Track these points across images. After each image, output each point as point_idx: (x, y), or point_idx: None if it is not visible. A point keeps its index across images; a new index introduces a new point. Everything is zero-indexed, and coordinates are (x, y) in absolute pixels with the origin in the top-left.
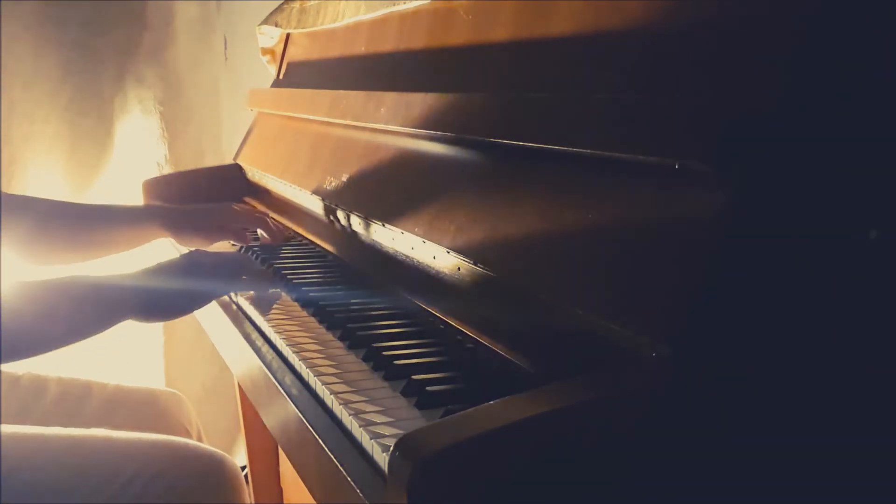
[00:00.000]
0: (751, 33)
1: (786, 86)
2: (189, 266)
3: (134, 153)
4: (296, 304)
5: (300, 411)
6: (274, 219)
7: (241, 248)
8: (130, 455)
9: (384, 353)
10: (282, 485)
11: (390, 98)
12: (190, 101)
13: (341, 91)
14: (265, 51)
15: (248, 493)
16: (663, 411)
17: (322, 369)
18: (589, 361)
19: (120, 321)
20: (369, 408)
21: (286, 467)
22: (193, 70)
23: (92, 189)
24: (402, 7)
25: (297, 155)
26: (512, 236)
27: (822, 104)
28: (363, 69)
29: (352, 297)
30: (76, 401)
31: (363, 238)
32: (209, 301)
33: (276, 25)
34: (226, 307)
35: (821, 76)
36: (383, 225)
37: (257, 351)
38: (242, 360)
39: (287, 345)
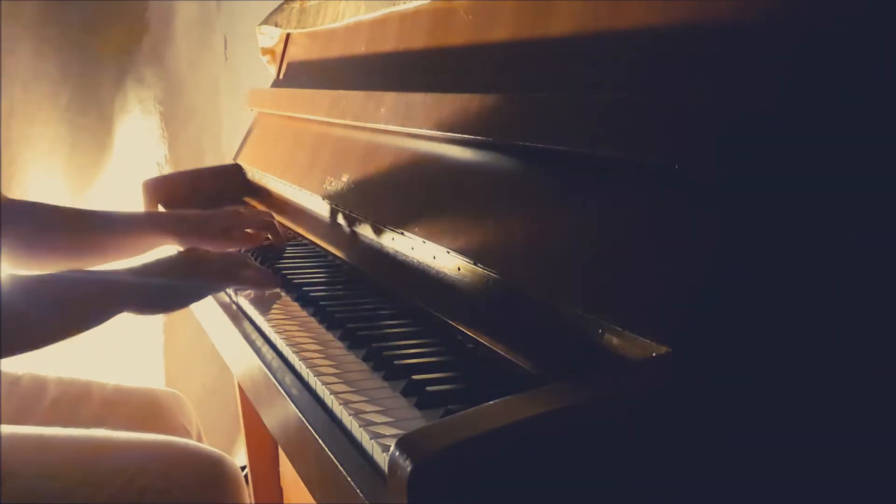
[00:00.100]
0: (751, 33)
1: (786, 86)
2: (187, 260)
3: (134, 153)
4: (296, 304)
5: (300, 411)
6: (280, 222)
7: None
8: (130, 455)
9: (384, 353)
10: (282, 485)
11: (390, 98)
12: (190, 101)
13: (341, 91)
14: (265, 51)
15: (248, 494)
16: (663, 411)
17: (322, 369)
18: (589, 361)
19: (116, 314)
20: (369, 408)
21: (286, 467)
22: (193, 70)
23: (92, 189)
24: (402, 7)
25: (297, 155)
26: (512, 236)
27: (822, 104)
28: (363, 69)
29: (352, 296)
30: (76, 401)
31: (363, 238)
32: (206, 295)
33: (276, 25)
34: (226, 307)
35: (821, 76)
36: (383, 225)
37: (257, 351)
38: (242, 360)
39: (287, 345)
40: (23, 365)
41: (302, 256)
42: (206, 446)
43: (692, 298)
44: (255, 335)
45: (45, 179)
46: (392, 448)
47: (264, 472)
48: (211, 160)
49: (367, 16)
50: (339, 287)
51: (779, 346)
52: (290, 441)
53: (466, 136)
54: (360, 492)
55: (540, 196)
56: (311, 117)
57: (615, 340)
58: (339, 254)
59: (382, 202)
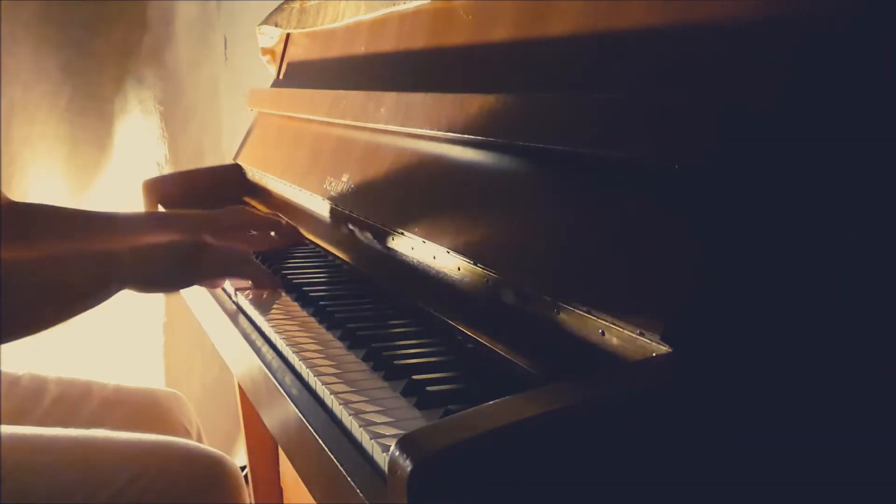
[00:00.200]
0: (751, 33)
1: (785, 86)
2: (191, 246)
3: (134, 153)
4: (296, 304)
5: (300, 411)
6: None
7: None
8: (130, 456)
9: (384, 353)
10: (282, 485)
11: (390, 98)
12: (190, 101)
13: (341, 91)
14: (265, 51)
15: (247, 494)
16: (663, 411)
17: (322, 369)
18: (589, 361)
19: (117, 290)
20: (369, 408)
21: (286, 467)
22: (193, 70)
23: (92, 189)
24: (402, 7)
25: (297, 155)
26: (512, 236)
27: (822, 104)
28: (363, 69)
29: (352, 296)
30: (76, 401)
31: (363, 238)
32: (204, 282)
33: (276, 25)
34: (226, 307)
35: (820, 76)
36: (383, 225)
37: (257, 351)
38: (242, 360)
39: (287, 345)
40: (23, 365)
41: (302, 256)
42: (206, 446)
43: (692, 298)
44: (255, 335)
45: (45, 179)
46: (392, 448)
47: (264, 472)
48: (211, 160)
49: (367, 16)
50: (339, 287)
51: (779, 345)
52: (290, 441)
53: (466, 136)
54: (360, 492)
55: (540, 196)
56: (311, 117)
57: (615, 340)
58: (339, 254)
59: (382, 202)
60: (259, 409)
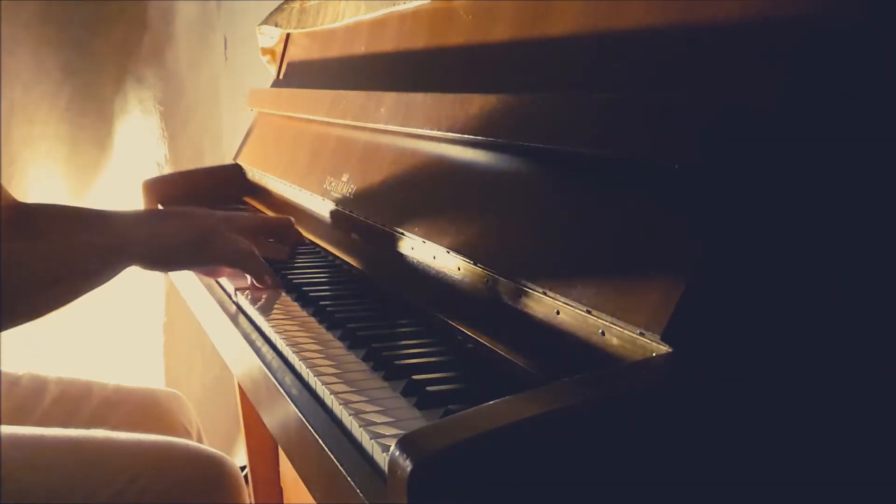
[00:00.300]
0: (751, 33)
1: (785, 86)
2: (200, 231)
3: (134, 153)
4: (296, 304)
5: (300, 411)
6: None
7: None
8: (130, 456)
9: (384, 353)
10: (282, 485)
11: (390, 98)
12: (190, 101)
13: (341, 91)
14: (265, 51)
15: (247, 494)
16: (664, 411)
17: (322, 369)
18: (589, 361)
19: (125, 267)
20: (369, 408)
21: (286, 467)
22: (193, 70)
23: (92, 189)
24: (402, 7)
25: (297, 155)
26: (512, 236)
27: (822, 104)
28: (363, 69)
29: (352, 296)
30: (76, 401)
31: (363, 238)
32: (207, 267)
33: (276, 25)
34: (226, 307)
35: (820, 76)
36: (383, 225)
37: (257, 351)
38: (242, 360)
39: (287, 345)
40: (23, 365)
41: (302, 256)
42: (206, 447)
43: (693, 298)
44: (255, 335)
45: (45, 179)
46: (392, 448)
47: (264, 472)
48: (211, 160)
49: (367, 16)
50: (339, 287)
51: (779, 345)
52: (290, 441)
53: (466, 135)
54: (360, 492)
55: (540, 196)
56: (311, 117)
57: (615, 340)
58: (339, 254)
59: (382, 202)
60: (259, 409)
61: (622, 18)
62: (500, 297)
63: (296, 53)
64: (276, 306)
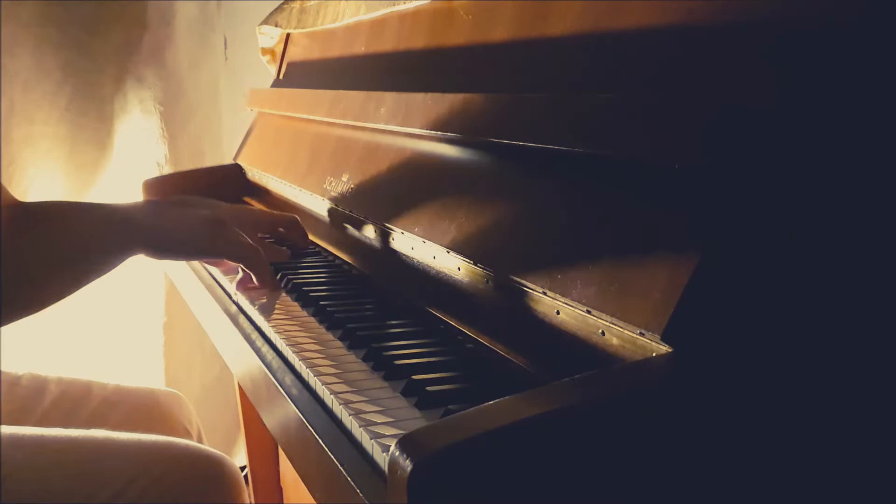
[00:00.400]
0: (751, 33)
1: (785, 85)
2: (213, 222)
3: (134, 153)
4: (296, 304)
5: (300, 411)
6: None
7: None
8: (130, 456)
9: (384, 353)
10: (282, 485)
11: (390, 98)
12: (190, 101)
13: (341, 91)
14: (265, 51)
15: (247, 494)
16: (664, 411)
17: (322, 369)
18: (589, 361)
19: (131, 255)
20: (369, 408)
21: (286, 467)
22: (193, 70)
23: (92, 189)
24: (402, 7)
25: (297, 155)
26: (512, 236)
27: (822, 104)
28: (363, 69)
29: (352, 296)
30: (76, 401)
31: (363, 238)
32: (215, 257)
33: (276, 25)
34: (226, 307)
35: (820, 76)
36: (383, 225)
37: (257, 351)
38: (242, 360)
39: (287, 345)
40: (23, 365)
41: (302, 256)
42: (206, 447)
43: (693, 298)
44: (255, 335)
45: (45, 179)
46: (392, 448)
47: (264, 472)
48: (211, 160)
49: (367, 16)
50: (339, 287)
51: (780, 345)
52: (290, 441)
53: (466, 135)
54: (360, 492)
55: (540, 196)
56: (311, 117)
57: (615, 340)
58: (339, 254)
59: (382, 202)
60: (259, 409)
61: (622, 18)
62: (501, 297)
63: (296, 53)
64: (276, 306)
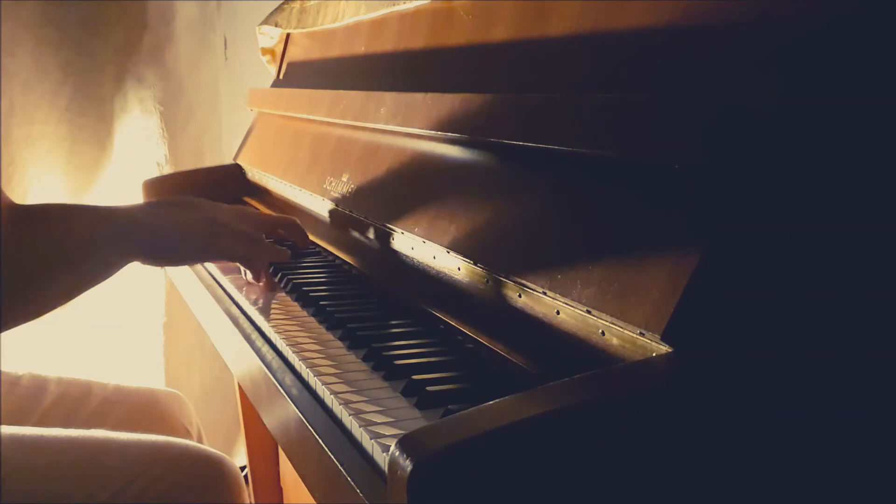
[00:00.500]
0: (751, 33)
1: (786, 85)
2: (210, 223)
3: (134, 153)
4: (296, 304)
5: (300, 411)
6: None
7: None
8: (130, 456)
9: (384, 353)
10: (282, 485)
11: (390, 98)
12: (190, 101)
13: (341, 91)
14: (265, 51)
15: (247, 495)
16: (664, 411)
17: (322, 369)
18: (589, 361)
19: (128, 262)
20: (369, 408)
21: (286, 467)
22: (193, 70)
23: (92, 189)
24: (402, 7)
25: (297, 155)
26: (512, 236)
27: (823, 103)
28: (363, 69)
29: (352, 296)
30: (76, 401)
31: (363, 238)
32: (213, 260)
33: (276, 25)
34: (226, 307)
35: (820, 76)
36: (383, 225)
37: (257, 351)
38: (242, 360)
39: (287, 345)
40: (23, 365)
41: (302, 256)
42: (206, 447)
43: (693, 298)
44: (255, 335)
45: (45, 179)
46: (392, 448)
47: (264, 472)
48: (211, 160)
49: (367, 16)
50: (339, 287)
51: (780, 345)
52: (290, 441)
53: (466, 135)
54: (360, 492)
55: (540, 196)
56: (311, 117)
57: (615, 340)
58: (339, 254)
59: (382, 202)
60: (259, 409)
61: (622, 18)
62: (500, 297)
63: (296, 53)
64: (276, 306)
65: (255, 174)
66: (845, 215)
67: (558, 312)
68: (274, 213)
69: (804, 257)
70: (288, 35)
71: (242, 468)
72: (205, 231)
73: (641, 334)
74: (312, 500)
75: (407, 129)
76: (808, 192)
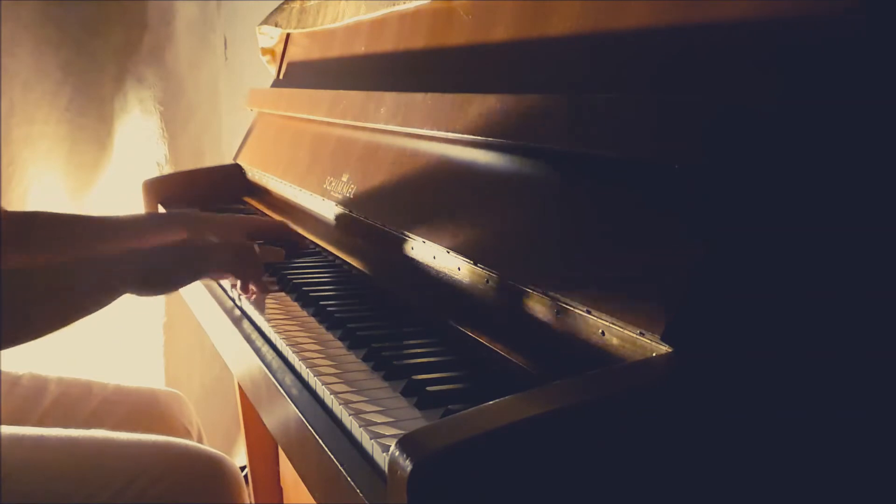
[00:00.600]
0: (750, 33)
1: (785, 85)
2: (194, 245)
3: (134, 153)
4: (296, 304)
5: (300, 411)
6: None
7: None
8: (130, 456)
9: (384, 353)
10: (282, 485)
11: (390, 98)
12: (190, 101)
13: (341, 91)
14: (265, 51)
15: (247, 495)
16: (664, 411)
17: (322, 369)
18: (589, 361)
19: (120, 294)
20: (369, 408)
21: (286, 467)
22: (193, 70)
23: (92, 189)
24: (402, 7)
25: (296, 155)
26: (512, 236)
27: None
28: (363, 69)
29: (352, 297)
30: (76, 401)
31: (363, 238)
32: (208, 277)
33: (276, 25)
34: (226, 307)
35: (820, 76)
36: (383, 225)
37: (257, 351)
38: (242, 360)
39: (287, 345)
40: (23, 365)
41: (302, 256)
42: (206, 447)
43: (693, 298)
44: (255, 335)
45: (45, 179)
46: (392, 448)
47: (264, 472)
48: (211, 160)
49: (367, 16)
50: (339, 287)
51: (780, 345)
52: (290, 441)
53: (466, 135)
54: (360, 492)
55: (540, 196)
56: (311, 117)
57: (615, 340)
58: (339, 254)
59: (382, 202)
60: (259, 409)
61: (622, 18)
62: (500, 297)
63: (296, 53)
64: (276, 306)
65: (255, 174)
66: (845, 215)
67: (558, 312)
68: (262, 218)
69: (804, 257)
70: (288, 35)
71: (242, 468)
72: (191, 254)
73: (641, 334)
74: (312, 500)
75: (407, 129)
76: (808, 192)
